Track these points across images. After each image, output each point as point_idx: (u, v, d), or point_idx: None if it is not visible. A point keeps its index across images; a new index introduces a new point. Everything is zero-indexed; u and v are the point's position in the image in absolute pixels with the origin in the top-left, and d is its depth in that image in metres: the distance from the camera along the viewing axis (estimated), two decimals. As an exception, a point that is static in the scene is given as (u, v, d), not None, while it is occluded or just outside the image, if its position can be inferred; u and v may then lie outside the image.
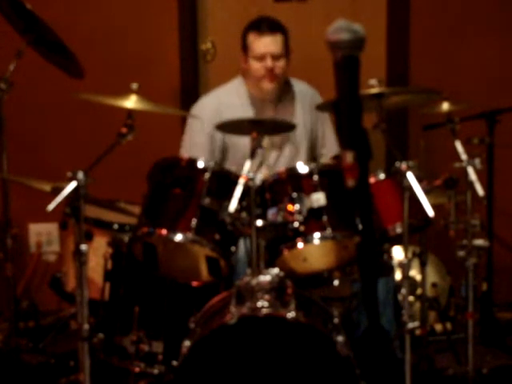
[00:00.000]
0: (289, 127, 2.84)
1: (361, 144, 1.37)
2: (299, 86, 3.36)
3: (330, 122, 3.40)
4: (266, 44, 3.12)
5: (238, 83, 3.29)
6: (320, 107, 2.96)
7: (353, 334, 2.69)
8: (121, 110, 2.61)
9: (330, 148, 3.38)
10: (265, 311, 2.32)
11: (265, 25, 3.14)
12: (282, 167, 3.10)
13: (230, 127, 2.78)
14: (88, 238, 2.71)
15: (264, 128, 2.55)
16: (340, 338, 2.32)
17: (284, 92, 3.29)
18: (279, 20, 3.21)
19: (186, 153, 3.22)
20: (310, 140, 3.35)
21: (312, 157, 3.37)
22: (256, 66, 3.14)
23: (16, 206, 3.22)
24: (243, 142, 3.16)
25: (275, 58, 3.12)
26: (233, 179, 2.49)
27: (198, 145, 3.21)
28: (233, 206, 2.38)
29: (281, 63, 3.14)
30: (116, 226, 2.84)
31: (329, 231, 2.49)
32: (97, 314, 2.75)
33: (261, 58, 3.13)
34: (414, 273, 3.48)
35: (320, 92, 3.40)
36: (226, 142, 3.23)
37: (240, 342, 2.28)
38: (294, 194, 2.50)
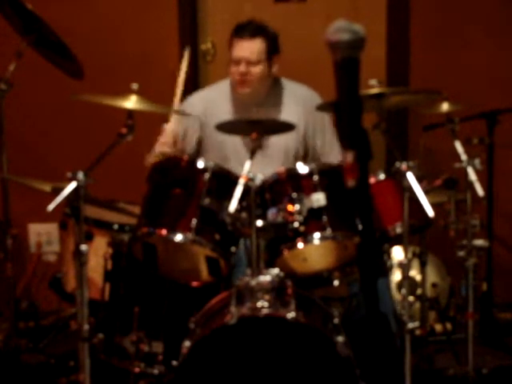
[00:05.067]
0: (288, 127, 2.81)
1: (361, 144, 1.37)
2: (294, 89, 3.28)
3: (331, 130, 3.28)
4: (242, 49, 3.08)
5: (225, 84, 3.27)
6: (320, 107, 2.95)
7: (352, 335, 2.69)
8: (121, 110, 2.61)
9: (335, 157, 3.25)
10: (265, 311, 2.32)
11: (246, 29, 3.09)
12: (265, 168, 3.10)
13: (229, 127, 2.78)
14: (88, 238, 2.71)
15: (264, 128, 2.55)
16: (340, 338, 2.32)
17: (271, 96, 3.23)
18: (266, 24, 3.14)
19: (158, 143, 3.18)
20: (301, 143, 3.25)
21: (305, 161, 3.28)
22: (232, 70, 3.12)
23: (16, 206, 3.22)
24: (224, 140, 3.13)
25: (250, 63, 3.08)
26: (233, 179, 2.50)
27: (167, 132, 3.19)
28: (233, 206, 2.38)
29: (256, 69, 3.09)
30: (116, 226, 2.84)
31: (329, 231, 2.49)
32: (97, 314, 2.74)
33: (236, 62, 3.09)
34: (414, 273, 3.48)
35: (320, 92, 3.37)
36: (202, 139, 3.21)
37: (240, 342, 2.28)
38: (294, 194, 2.50)
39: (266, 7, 3.90)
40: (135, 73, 3.86)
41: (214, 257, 2.62)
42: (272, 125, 2.76)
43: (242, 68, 3.08)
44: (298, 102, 3.24)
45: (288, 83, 3.29)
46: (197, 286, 2.75)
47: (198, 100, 3.29)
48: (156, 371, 2.71)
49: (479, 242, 2.86)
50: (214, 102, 3.24)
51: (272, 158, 3.16)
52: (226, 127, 2.76)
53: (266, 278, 2.40)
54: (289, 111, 3.21)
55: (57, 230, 4.01)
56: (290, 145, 3.21)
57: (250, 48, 3.08)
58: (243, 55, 3.08)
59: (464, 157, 2.84)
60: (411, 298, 3.44)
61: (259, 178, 2.47)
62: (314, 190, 2.50)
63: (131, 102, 2.61)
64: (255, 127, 2.53)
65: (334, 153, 3.25)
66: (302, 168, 2.54)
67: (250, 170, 2.44)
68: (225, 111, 3.19)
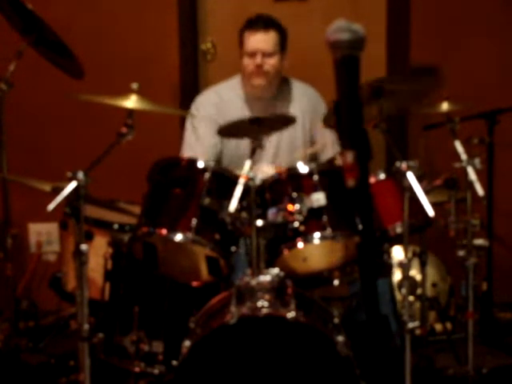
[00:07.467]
0: (288, 121, 2.78)
1: (361, 144, 1.37)
2: (301, 88, 3.35)
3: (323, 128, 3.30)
4: (257, 41, 3.14)
5: (236, 82, 3.30)
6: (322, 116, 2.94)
7: (352, 335, 2.70)
8: (121, 110, 2.61)
9: (327, 153, 3.35)
10: (265, 311, 2.31)
11: (259, 22, 3.16)
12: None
13: (230, 129, 2.76)
14: (88, 237, 2.71)
15: (263, 125, 2.54)
16: (340, 338, 2.32)
17: (281, 92, 3.30)
18: (276, 18, 3.21)
19: (189, 151, 3.22)
20: (307, 141, 3.33)
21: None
22: (247, 62, 3.17)
23: (16, 206, 3.22)
24: (235, 141, 3.16)
25: (265, 55, 3.14)
26: (233, 179, 2.49)
27: (200, 142, 3.21)
28: (233, 205, 2.38)
29: (271, 61, 3.15)
30: (116, 226, 2.84)
31: (329, 231, 2.48)
32: (97, 314, 2.75)
33: (251, 54, 3.14)
34: (414, 273, 3.48)
35: (320, 92, 3.39)
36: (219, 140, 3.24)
37: (240, 342, 2.28)
38: (294, 194, 2.50)
39: (265, 7, 3.90)
40: (135, 73, 3.86)
41: (214, 256, 2.62)
42: (271, 120, 2.73)
43: (258, 59, 3.13)
44: (303, 100, 3.32)
45: (295, 82, 3.37)
46: (197, 285, 2.75)
47: (209, 101, 3.28)
48: (156, 371, 2.71)
49: (479, 242, 2.86)
50: (226, 99, 3.26)
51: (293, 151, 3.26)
52: (226, 130, 2.72)
53: (266, 278, 2.40)
54: (296, 107, 3.29)
55: (57, 229, 4.01)
56: (304, 138, 3.31)
57: (265, 39, 3.14)
58: (259, 47, 3.13)
59: (464, 156, 2.84)
60: (411, 298, 3.45)
61: (259, 178, 2.47)
62: (314, 189, 2.50)
63: (131, 102, 2.61)
64: (254, 125, 2.52)
65: (330, 147, 3.34)
66: (302, 168, 2.54)
67: (251, 168, 2.43)
68: (237, 108, 3.21)
